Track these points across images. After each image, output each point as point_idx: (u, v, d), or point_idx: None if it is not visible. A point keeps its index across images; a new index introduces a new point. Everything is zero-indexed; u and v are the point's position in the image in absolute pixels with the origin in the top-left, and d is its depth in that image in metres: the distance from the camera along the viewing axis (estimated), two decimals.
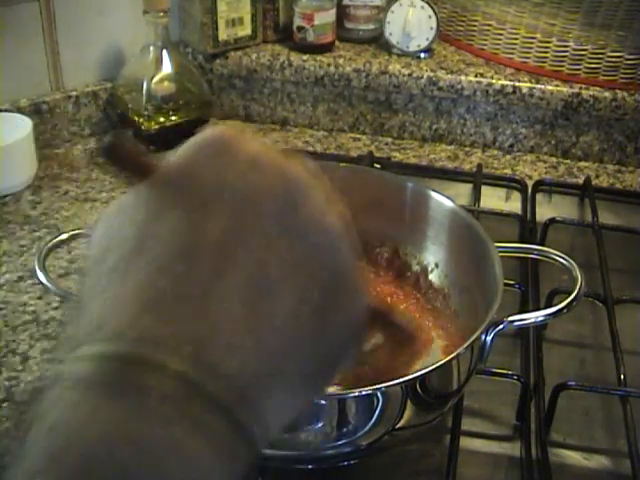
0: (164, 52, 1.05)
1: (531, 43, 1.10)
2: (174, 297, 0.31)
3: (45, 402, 0.30)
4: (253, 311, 0.32)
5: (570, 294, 0.63)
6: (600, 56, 1.08)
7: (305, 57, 1.14)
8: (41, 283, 0.64)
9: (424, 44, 1.14)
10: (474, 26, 1.15)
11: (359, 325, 0.37)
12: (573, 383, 0.68)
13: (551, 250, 0.69)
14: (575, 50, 1.08)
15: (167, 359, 0.29)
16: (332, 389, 0.65)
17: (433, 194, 0.76)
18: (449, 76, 1.10)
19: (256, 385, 0.31)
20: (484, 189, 0.98)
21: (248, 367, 0.31)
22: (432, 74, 1.11)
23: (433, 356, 0.70)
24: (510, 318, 0.62)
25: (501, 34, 1.13)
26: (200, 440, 0.29)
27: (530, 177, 1.06)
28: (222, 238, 0.33)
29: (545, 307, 0.71)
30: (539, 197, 1.00)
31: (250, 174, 0.35)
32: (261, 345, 0.32)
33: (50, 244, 0.67)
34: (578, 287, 0.63)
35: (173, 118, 1.07)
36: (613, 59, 1.07)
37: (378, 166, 1.01)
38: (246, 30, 1.15)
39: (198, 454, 0.29)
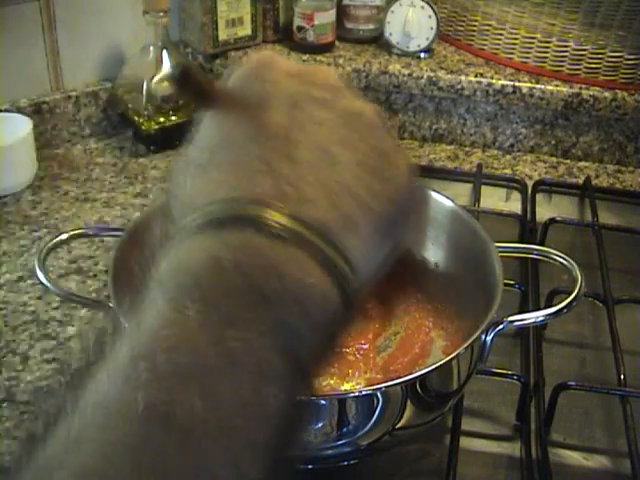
0: (164, 52, 1.05)
1: (531, 43, 1.10)
2: (257, 168, 0.36)
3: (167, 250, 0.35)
4: (323, 170, 0.37)
5: (570, 294, 0.63)
6: (600, 56, 1.08)
7: (305, 57, 1.14)
8: (41, 283, 0.64)
9: (424, 44, 1.14)
10: (474, 26, 1.15)
11: (412, 192, 0.41)
12: (573, 383, 0.68)
13: (551, 250, 0.69)
14: (575, 50, 1.08)
15: (270, 213, 0.34)
16: (331, 389, 0.65)
17: (433, 194, 0.76)
18: (449, 76, 1.10)
19: (337, 225, 0.36)
20: (484, 189, 0.98)
21: (326, 213, 0.36)
22: (432, 74, 1.11)
23: (433, 356, 0.70)
24: (510, 318, 0.62)
25: (501, 34, 1.13)
26: (311, 263, 0.34)
27: (530, 177, 1.06)
28: (286, 123, 0.38)
29: (545, 307, 0.71)
30: (539, 197, 1.00)
31: (292, 79, 0.40)
32: (331, 194, 0.36)
33: (50, 244, 0.67)
34: (578, 287, 0.63)
35: (173, 118, 1.07)
36: (613, 59, 1.07)
37: None
38: (246, 30, 1.15)
39: (310, 272, 0.34)
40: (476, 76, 1.10)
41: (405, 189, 0.40)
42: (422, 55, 1.15)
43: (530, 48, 1.11)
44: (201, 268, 0.33)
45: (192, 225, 0.35)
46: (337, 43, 1.17)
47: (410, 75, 1.11)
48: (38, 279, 0.64)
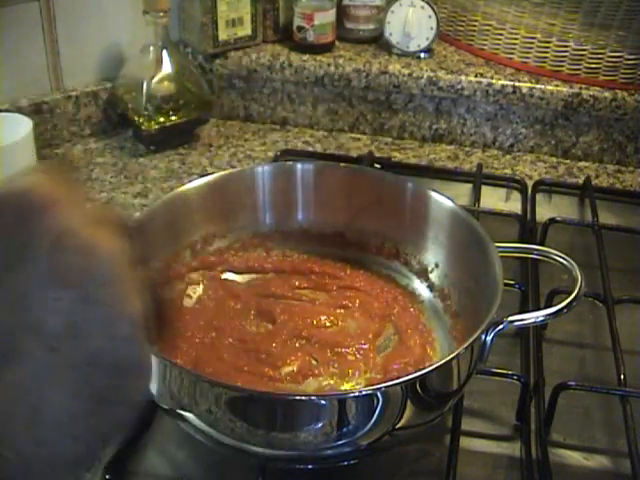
0: (164, 52, 1.05)
1: (531, 43, 1.10)
2: None
3: None
4: (23, 416, 0.33)
5: (570, 294, 0.63)
6: (600, 56, 1.08)
7: (305, 57, 1.14)
8: None
9: (424, 44, 1.14)
10: (474, 26, 1.15)
11: (137, 410, 0.38)
12: (573, 383, 0.68)
13: (551, 250, 0.69)
14: (575, 50, 1.08)
15: None
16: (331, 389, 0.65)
17: (433, 194, 0.76)
18: (449, 76, 1.10)
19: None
20: (484, 189, 0.98)
21: (10, 469, 0.33)
22: (432, 74, 1.11)
23: (433, 356, 0.70)
24: (510, 318, 0.62)
25: (501, 34, 1.13)
26: None
27: (530, 177, 1.06)
28: (4, 331, 0.33)
29: (545, 307, 0.71)
30: (539, 197, 1.00)
31: (55, 251, 0.34)
32: (28, 448, 0.33)
33: None
34: (578, 287, 0.63)
35: (173, 118, 1.07)
36: (613, 59, 1.07)
37: (378, 166, 1.01)
38: (246, 30, 1.15)
39: None
40: (476, 76, 1.10)
41: (128, 411, 0.37)
42: (422, 55, 1.15)
43: (530, 48, 1.11)
44: None
45: None
46: (337, 43, 1.17)
47: (410, 75, 1.11)
48: None
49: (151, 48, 1.05)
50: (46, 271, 0.33)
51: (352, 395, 0.57)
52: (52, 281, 0.33)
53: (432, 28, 1.13)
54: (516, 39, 1.11)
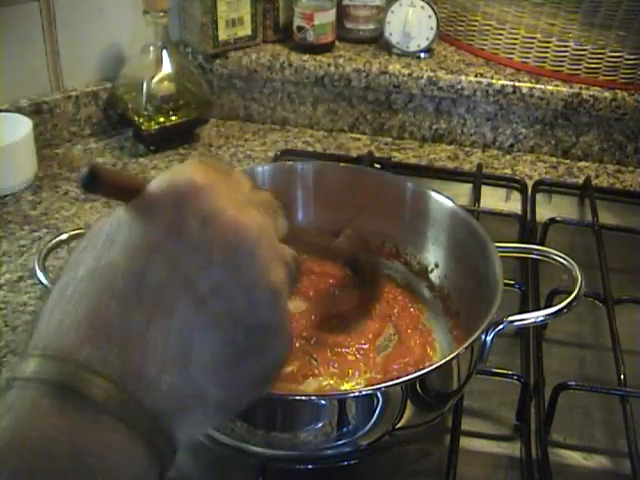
0: (164, 52, 1.05)
1: (531, 43, 1.10)
2: (110, 333, 0.37)
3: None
4: (175, 353, 0.38)
5: (570, 294, 0.63)
6: (600, 56, 1.08)
7: (305, 57, 1.14)
8: (41, 283, 0.64)
9: (424, 44, 1.14)
10: (474, 26, 1.15)
11: (276, 369, 0.43)
12: (573, 383, 0.68)
13: (551, 250, 0.69)
14: (575, 50, 1.08)
15: (106, 384, 0.36)
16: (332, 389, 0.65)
17: (433, 194, 0.76)
18: (449, 76, 1.10)
19: (175, 409, 0.38)
20: (484, 189, 0.98)
21: (165, 402, 0.37)
22: (432, 74, 1.11)
23: (433, 356, 0.70)
24: (510, 318, 0.62)
25: (501, 34, 1.13)
26: (134, 440, 0.36)
27: (530, 177, 1.06)
28: (163, 285, 0.38)
29: (545, 307, 0.71)
30: (539, 197, 1.00)
31: (204, 228, 0.39)
32: (179, 380, 0.38)
33: (50, 244, 0.67)
34: (578, 287, 0.63)
35: (173, 118, 1.07)
36: (613, 59, 1.07)
37: (378, 166, 1.01)
38: (246, 30, 1.15)
39: (133, 451, 0.36)
40: (476, 76, 1.10)
41: (269, 371, 0.42)
42: (422, 55, 1.15)
43: (530, 48, 1.11)
44: (35, 452, 0.33)
45: (30, 376, 0.36)
46: (337, 43, 1.17)
47: (410, 75, 1.11)
48: (38, 279, 0.64)
49: (151, 48, 1.05)
50: (197, 243, 0.39)
51: (352, 395, 0.57)
52: (202, 252, 0.39)
53: (432, 28, 1.13)
54: (516, 39, 1.11)
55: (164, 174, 0.41)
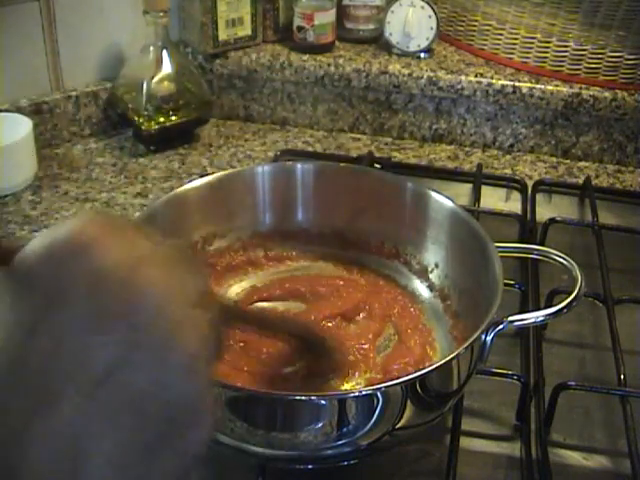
0: (164, 52, 1.05)
1: (531, 43, 1.10)
2: None
3: None
4: (63, 458, 0.31)
5: (570, 294, 0.63)
6: (600, 56, 1.08)
7: (305, 57, 1.14)
8: None
9: (424, 44, 1.14)
10: (474, 26, 1.15)
11: (195, 458, 0.35)
12: (573, 383, 0.68)
13: (551, 250, 0.69)
14: (575, 50, 1.08)
15: None
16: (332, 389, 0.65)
17: (433, 194, 0.76)
18: (449, 76, 1.10)
19: None
20: (484, 189, 0.98)
21: None
22: (432, 74, 1.11)
23: (433, 356, 0.70)
24: (510, 318, 0.62)
25: (501, 34, 1.13)
26: None
27: (530, 177, 1.06)
28: (48, 371, 0.31)
29: (545, 307, 0.71)
30: (539, 197, 1.00)
31: (93, 294, 0.32)
32: None
33: None
34: (578, 287, 0.63)
35: (173, 118, 1.07)
36: (613, 59, 1.07)
37: (378, 166, 1.01)
38: (246, 30, 1.15)
39: None
40: (476, 76, 1.10)
41: (190, 454, 0.35)
42: (422, 55, 1.15)
43: (530, 48, 1.11)
44: None
45: None
46: (337, 43, 1.17)
47: (410, 75, 1.11)
48: None
49: (151, 48, 1.05)
50: (86, 315, 0.32)
51: (352, 395, 0.57)
52: (91, 325, 0.32)
53: (432, 28, 1.13)
54: (516, 39, 1.11)
55: (45, 232, 0.35)
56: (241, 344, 0.68)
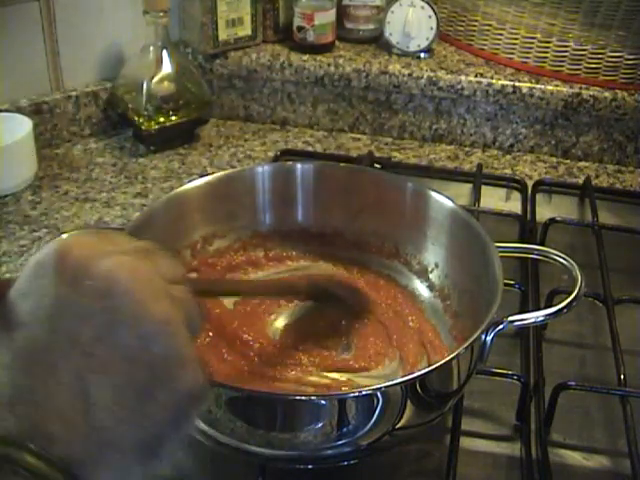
0: (164, 52, 1.05)
1: (531, 43, 1.10)
2: (11, 401, 0.38)
3: None
4: (72, 404, 0.38)
5: (570, 294, 0.63)
6: (600, 56, 1.08)
7: (305, 57, 1.14)
8: None
9: (424, 44, 1.14)
10: (474, 26, 1.15)
11: (194, 399, 0.42)
12: (573, 383, 0.68)
13: (551, 250, 0.69)
14: (575, 50, 1.08)
15: (20, 453, 0.36)
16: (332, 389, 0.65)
17: (433, 194, 0.76)
18: (449, 76, 1.10)
19: (86, 461, 0.38)
20: (484, 189, 0.98)
21: (73, 450, 0.38)
22: (432, 74, 1.11)
23: (433, 356, 0.70)
24: (510, 318, 0.62)
25: (501, 34, 1.13)
26: None
27: (530, 177, 1.06)
28: (48, 350, 0.39)
29: (545, 307, 0.71)
30: (539, 197, 1.00)
31: (76, 284, 0.40)
32: (84, 429, 0.38)
33: None
34: (578, 287, 0.63)
35: (173, 118, 1.07)
36: (613, 59, 1.07)
37: (378, 166, 1.01)
38: (246, 30, 1.15)
39: None
40: (476, 76, 1.10)
41: (180, 404, 0.41)
42: (422, 55, 1.15)
43: (530, 48, 1.11)
44: None
45: None
46: (337, 43, 1.17)
47: (410, 75, 1.11)
48: None
49: (151, 48, 1.05)
50: (71, 302, 0.40)
51: (352, 395, 0.57)
52: (76, 307, 0.40)
53: (432, 28, 1.13)
54: (516, 39, 1.11)
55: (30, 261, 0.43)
56: (241, 344, 0.69)
